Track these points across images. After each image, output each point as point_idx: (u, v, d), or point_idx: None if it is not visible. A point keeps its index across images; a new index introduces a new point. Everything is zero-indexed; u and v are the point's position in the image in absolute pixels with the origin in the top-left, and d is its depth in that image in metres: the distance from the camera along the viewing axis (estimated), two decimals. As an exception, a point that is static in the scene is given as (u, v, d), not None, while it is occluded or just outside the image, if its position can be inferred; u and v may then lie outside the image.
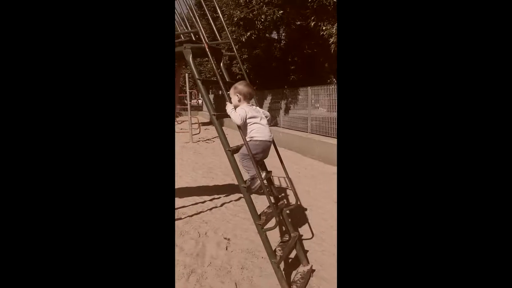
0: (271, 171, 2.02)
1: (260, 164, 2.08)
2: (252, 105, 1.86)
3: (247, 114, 1.75)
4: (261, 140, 1.77)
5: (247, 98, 1.83)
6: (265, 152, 1.87)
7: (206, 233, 2.51)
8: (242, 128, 1.75)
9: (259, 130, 1.77)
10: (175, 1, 2.01)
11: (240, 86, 1.83)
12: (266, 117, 1.87)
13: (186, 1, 1.97)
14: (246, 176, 1.77)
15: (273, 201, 1.87)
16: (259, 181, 1.73)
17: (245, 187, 1.64)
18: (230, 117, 1.75)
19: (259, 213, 1.72)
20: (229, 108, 1.78)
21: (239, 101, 1.81)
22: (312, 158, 5.73)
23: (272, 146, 1.91)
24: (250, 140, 1.75)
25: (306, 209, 3.04)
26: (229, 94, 1.81)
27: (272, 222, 1.66)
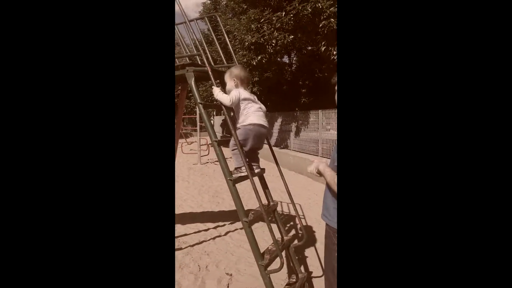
0: (276, 203, 1.86)
1: (262, 184, 1.92)
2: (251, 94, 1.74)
3: (240, 96, 1.61)
4: (254, 124, 1.62)
5: (244, 83, 1.71)
6: (259, 139, 1.70)
7: (207, 267, 2.31)
8: (235, 113, 1.63)
9: (253, 114, 1.63)
10: (185, 25, 1.99)
11: (236, 70, 1.71)
12: (261, 108, 1.74)
13: (192, 26, 1.95)
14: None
15: (279, 236, 1.69)
16: (245, 172, 1.59)
17: (246, 221, 1.48)
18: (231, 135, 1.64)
19: (263, 251, 1.54)
20: (216, 90, 1.65)
21: (236, 86, 1.69)
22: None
23: (276, 167, 1.77)
24: (240, 128, 1.62)
25: (316, 241, 2.80)
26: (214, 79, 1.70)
27: (277, 262, 1.48)
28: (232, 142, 1.65)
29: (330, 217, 1.19)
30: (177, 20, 1.83)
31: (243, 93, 1.65)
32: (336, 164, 1.10)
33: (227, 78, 1.72)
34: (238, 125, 1.66)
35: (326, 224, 1.22)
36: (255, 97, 1.76)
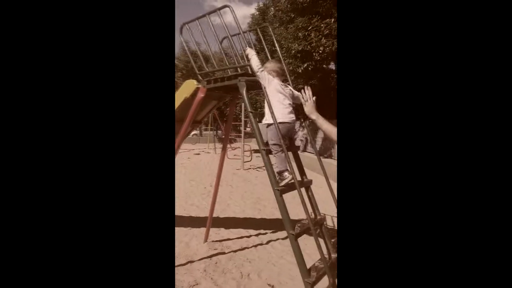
0: (324, 216, 1.78)
1: (308, 195, 1.86)
2: (286, 86, 1.73)
3: (271, 83, 1.61)
4: (280, 122, 1.60)
5: (279, 74, 1.72)
6: (288, 135, 1.72)
7: (249, 275, 2.31)
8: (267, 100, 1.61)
9: (279, 111, 1.62)
10: (238, 37, 2.05)
11: (270, 64, 1.72)
12: (292, 96, 1.73)
13: (242, 37, 2.00)
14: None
15: (325, 252, 1.61)
16: (289, 176, 1.57)
17: (293, 234, 1.44)
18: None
19: (309, 266, 1.48)
20: (251, 52, 1.66)
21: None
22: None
23: (320, 177, 1.69)
24: (272, 124, 1.59)
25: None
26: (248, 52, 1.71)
27: (325, 280, 1.40)
28: (271, 142, 1.65)
29: None
30: (231, 32, 1.90)
31: (276, 84, 1.65)
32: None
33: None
34: (268, 121, 1.64)
35: None
36: (290, 89, 1.75)
